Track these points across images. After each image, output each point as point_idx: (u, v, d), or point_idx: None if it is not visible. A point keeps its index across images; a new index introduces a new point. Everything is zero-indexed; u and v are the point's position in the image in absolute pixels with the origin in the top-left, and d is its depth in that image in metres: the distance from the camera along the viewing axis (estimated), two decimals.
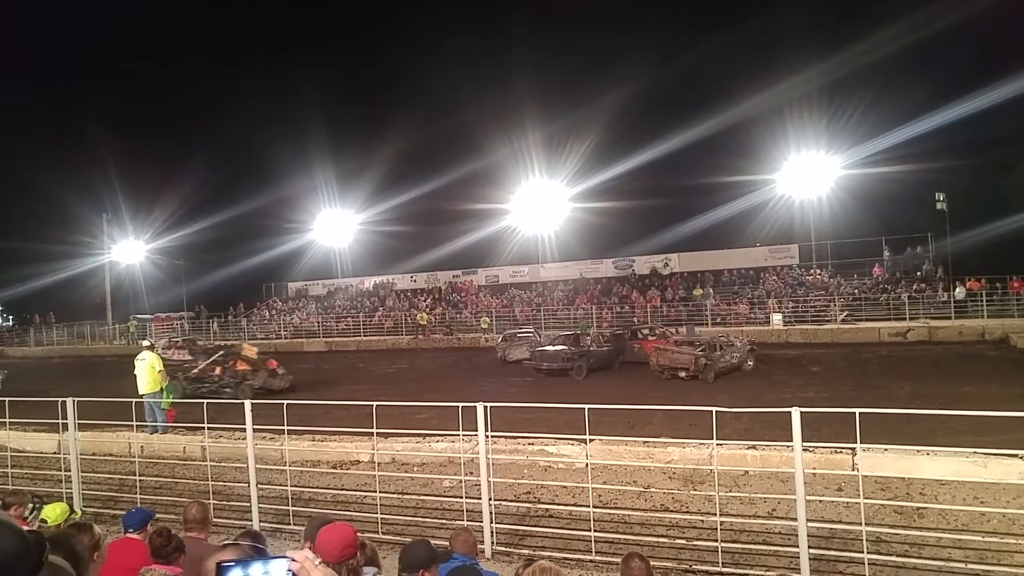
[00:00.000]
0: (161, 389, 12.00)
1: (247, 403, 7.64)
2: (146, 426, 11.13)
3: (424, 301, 39.67)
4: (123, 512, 4.86)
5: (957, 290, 28.74)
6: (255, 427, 7.49)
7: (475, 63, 60.27)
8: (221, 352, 20.50)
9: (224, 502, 7.50)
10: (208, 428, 8.33)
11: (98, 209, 46.45)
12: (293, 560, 1.78)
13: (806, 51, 43.54)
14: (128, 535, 4.38)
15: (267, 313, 42.60)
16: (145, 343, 13.31)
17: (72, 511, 5.15)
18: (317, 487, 8.00)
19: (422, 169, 45.69)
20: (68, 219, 47.83)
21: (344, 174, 47.76)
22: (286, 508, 7.35)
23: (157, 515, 4.86)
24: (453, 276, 43.06)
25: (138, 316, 42.01)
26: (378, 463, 7.97)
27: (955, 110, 33.58)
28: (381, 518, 7.07)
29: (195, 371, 19.16)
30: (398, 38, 67.03)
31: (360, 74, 67.46)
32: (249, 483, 7.57)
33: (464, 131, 49.34)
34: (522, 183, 41.69)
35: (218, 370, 19.04)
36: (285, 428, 7.73)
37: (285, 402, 7.76)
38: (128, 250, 46.69)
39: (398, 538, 6.09)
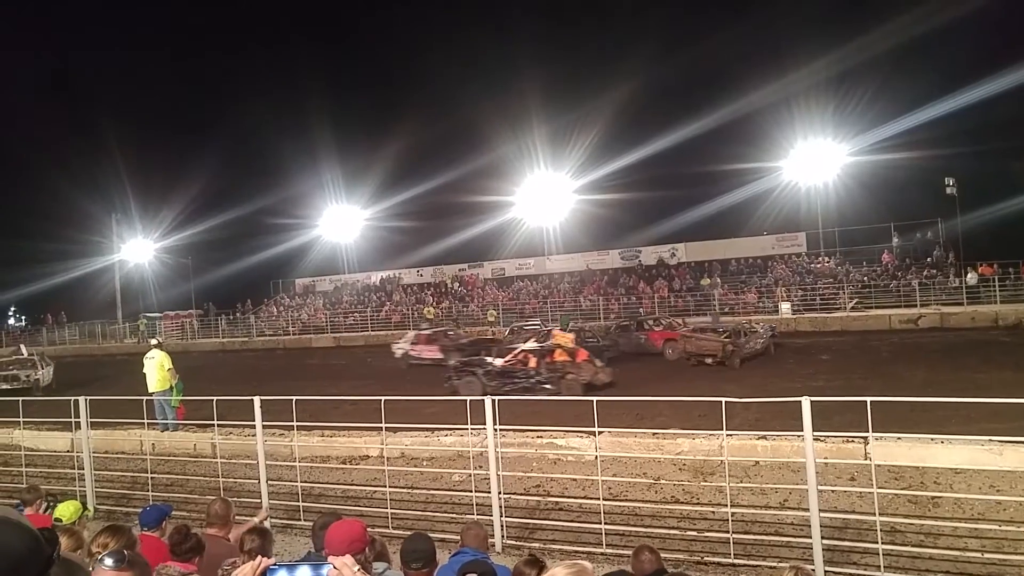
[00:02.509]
0: (171, 387, 12.03)
1: (256, 399, 7.64)
2: (157, 424, 11.16)
3: (430, 295, 39.67)
4: (136, 509, 4.85)
5: (969, 275, 28.42)
6: (264, 423, 7.50)
7: (480, 56, 60.26)
8: (531, 340, 18.22)
9: (235, 499, 7.49)
10: (218, 425, 8.33)
11: (107, 208, 46.74)
12: (333, 566, 1.83)
13: (812, 38, 43.42)
14: (144, 532, 4.37)
15: (275, 309, 42.69)
16: (154, 341, 13.33)
17: (85, 509, 5.16)
18: (327, 483, 8.00)
19: (428, 163, 45.66)
20: (78, 219, 48.16)
21: (350, 170, 47.88)
22: (296, 504, 7.35)
23: (172, 511, 4.85)
24: (459, 269, 43.02)
25: (148, 314, 42.18)
26: (387, 458, 7.95)
27: (963, 96, 33.30)
28: (391, 513, 7.06)
29: (499, 363, 16.41)
30: (404, 33, 66.96)
31: (366, 69, 67.62)
32: (260, 480, 7.58)
33: (469, 124, 49.27)
34: (527, 175, 41.61)
35: (532, 361, 16.20)
36: (295, 424, 7.72)
37: (294, 398, 7.74)
38: (137, 249, 46.89)
39: (408, 533, 6.06)
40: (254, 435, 7.69)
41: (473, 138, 46.80)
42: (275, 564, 1.93)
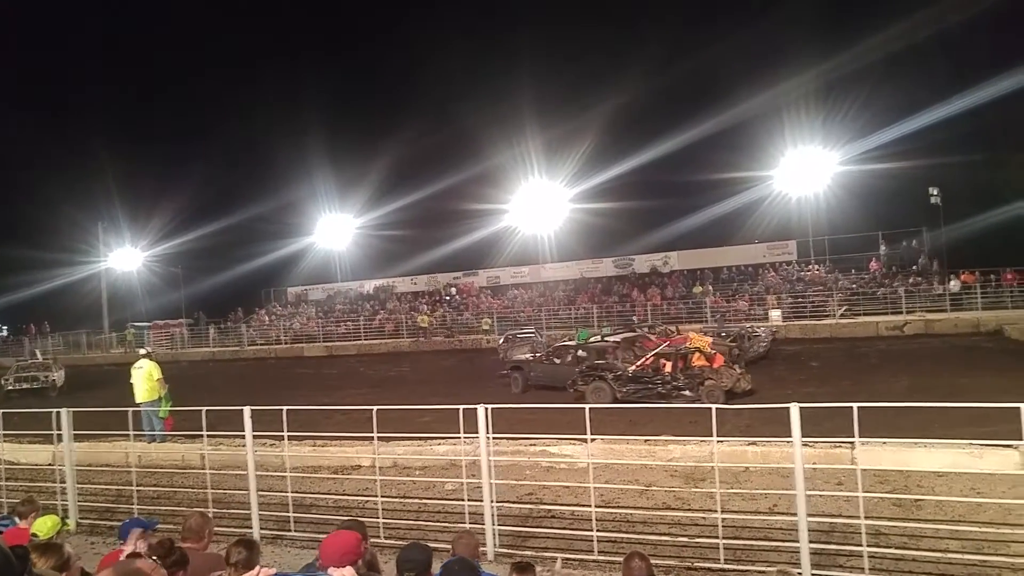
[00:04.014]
0: (160, 397, 12.01)
1: (246, 409, 7.68)
2: (143, 435, 11.08)
3: (425, 303, 39.70)
4: (121, 524, 4.84)
5: (951, 283, 28.85)
6: (255, 433, 7.54)
7: (475, 66, 60.28)
8: (665, 343, 17.07)
9: (224, 510, 7.54)
10: (207, 436, 8.35)
11: (94, 215, 46.49)
12: None
13: (802, 49, 43.50)
14: (125, 546, 4.35)
15: (267, 318, 42.59)
16: (142, 351, 13.25)
17: (64, 523, 5.14)
18: (318, 493, 8.04)
19: (421, 171, 45.61)
20: (63, 226, 47.67)
21: (344, 177, 47.78)
22: (287, 515, 7.39)
23: (157, 524, 4.85)
24: (454, 278, 43.08)
25: (135, 324, 41.92)
26: (379, 467, 8.01)
27: (948, 107, 33.79)
28: (383, 523, 7.11)
29: (631, 368, 15.34)
30: (398, 42, 67.01)
31: (359, 77, 67.54)
32: (249, 490, 7.60)
33: (464, 133, 49.27)
34: (522, 184, 41.77)
35: (668, 366, 15.17)
36: (285, 434, 7.77)
37: (285, 408, 7.79)
38: (125, 257, 46.65)
39: (400, 542, 6.12)
40: (244, 446, 7.72)
41: (468, 147, 46.95)
42: (276, 573, 1.97)
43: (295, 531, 7.20)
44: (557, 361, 18.17)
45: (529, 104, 46.00)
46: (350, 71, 67.28)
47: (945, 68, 39.80)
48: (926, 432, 7.96)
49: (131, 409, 10.14)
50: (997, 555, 5.73)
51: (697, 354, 15.54)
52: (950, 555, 5.84)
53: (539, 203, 41.31)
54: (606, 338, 18.66)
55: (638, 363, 15.69)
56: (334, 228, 46.79)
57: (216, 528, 5.45)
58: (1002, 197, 34.62)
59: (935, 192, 33.81)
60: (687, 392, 14.29)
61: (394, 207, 44.23)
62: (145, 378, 12.05)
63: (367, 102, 65.01)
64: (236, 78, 68.82)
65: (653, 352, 16.05)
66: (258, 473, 7.78)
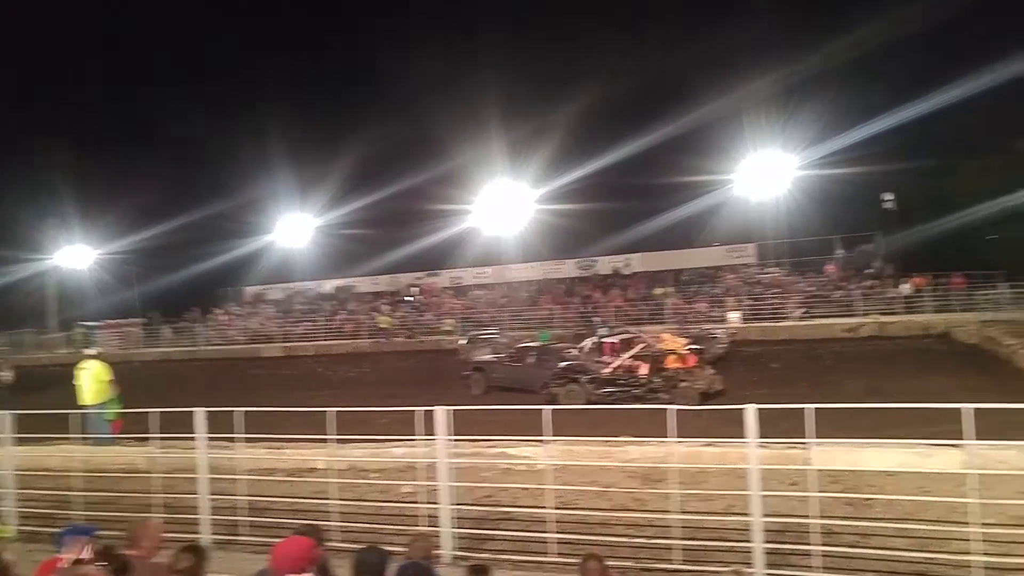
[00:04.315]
0: (108, 400, 11.67)
1: (199, 410, 7.51)
2: (88, 438, 10.73)
3: (386, 303, 39.38)
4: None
5: (904, 286, 29.64)
6: (208, 436, 7.40)
7: (439, 64, 60.01)
8: (641, 345, 16.78)
9: (174, 515, 7.34)
10: (158, 438, 8.15)
11: (41, 211, 45.08)
12: None
13: (763, 54, 44.41)
14: (64, 554, 4.20)
15: (223, 318, 41.80)
16: (90, 351, 12.85)
17: (2, 530, 4.94)
18: (273, 496, 7.90)
19: (384, 170, 45.19)
20: (7, 223, 45.93)
21: (304, 175, 47.07)
22: (239, 519, 7.23)
23: (98, 531, 4.69)
24: (416, 278, 42.76)
25: (85, 323, 40.71)
26: (335, 470, 7.89)
27: (903, 113, 34.69)
28: (338, 526, 7.01)
29: (606, 371, 15.38)
30: (359, 39, 66.41)
31: (320, 74, 66.75)
32: (200, 494, 7.44)
33: (427, 132, 48.96)
34: (486, 184, 41.68)
35: (643, 369, 15.22)
36: (240, 436, 7.61)
37: (240, 409, 7.63)
38: (76, 254, 45.35)
39: (356, 546, 6.03)
40: (196, 448, 7.55)
41: (432, 146, 46.62)
42: None
43: (248, 535, 7.05)
44: (519, 363, 18.15)
45: (494, 104, 46.02)
46: (312, 68, 66.52)
47: (901, 75, 40.98)
48: (878, 432, 8.12)
49: (76, 412, 9.86)
50: (941, 552, 5.88)
51: (672, 356, 15.58)
52: (897, 553, 5.98)
53: (503, 203, 41.30)
54: (603, 338, 18.39)
55: (613, 366, 15.66)
56: (294, 227, 46.11)
57: (166, 534, 5.31)
58: (952, 204, 35.79)
59: (889, 198, 34.71)
60: (662, 394, 14.35)
61: (356, 206, 43.74)
62: (92, 379, 11.70)
63: (329, 99, 64.33)
64: (195, 74, 67.52)
65: (628, 355, 16.04)
66: (210, 476, 7.62)
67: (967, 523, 5.66)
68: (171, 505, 7.67)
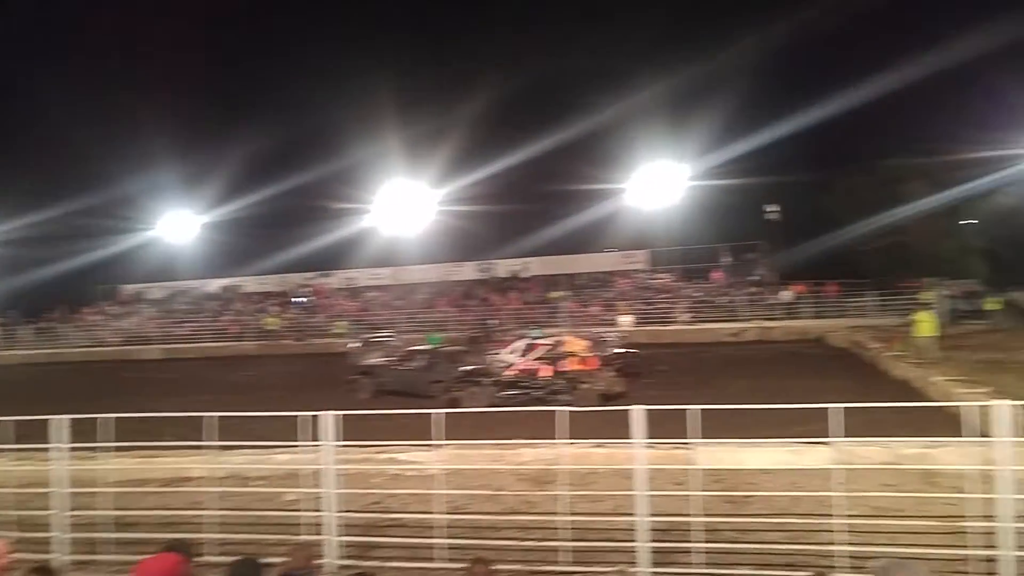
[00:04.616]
0: None
1: (64, 418, 6.94)
2: None
3: (275, 304, 38.02)
4: None
5: (783, 294, 31.42)
6: (72, 445, 6.85)
7: (335, 60, 58.54)
8: (548, 347, 16.25)
9: (30, 534, 6.75)
10: (14, 449, 7.48)
11: None
12: None
13: (656, 66, 45.87)
14: None
15: (95, 318, 39.04)
16: None
17: None
18: (143, 508, 7.40)
19: (276, 166, 43.26)
20: None
21: (190, 169, 44.66)
22: (104, 535, 6.72)
23: None
24: (307, 278, 41.49)
25: None
26: (214, 478, 7.48)
27: (785, 127, 36.50)
28: (214, 538, 6.65)
29: (509, 373, 15.27)
30: (254, 30, 63.71)
31: (211, 64, 63.58)
32: (56, 509, 6.87)
33: (323, 129, 47.82)
34: (384, 184, 41.02)
35: (545, 370, 15.17)
36: (107, 444, 7.07)
37: (107, 416, 7.09)
38: None
39: (234, 559, 5.73)
40: (57, 459, 6.96)
41: (328, 143, 45.32)
42: None
43: (112, 554, 6.56)
44: (408, 366, 17.85)
45: (393, 102, 45.21)
46: (202, 57, 63.20)
47: (784, 91, 43.32)
48: (759, 431, 8.50)
49: None
50: (811, 544, 6.20)
51: (573, 358, 15.70)
52: (773, 546, 6.26)
53: (402, 204, 40.76)
54: (536, 340, 17.99)
55: (516, 368, 15.71)
56: (178, 223, 43.73)
57: (16, 554, 4.87)
58: (828, 217, 38.36)
59: (772, 209, 36.74)
60: (564, 395, 14.49)
61: (246, 202, 41.89)
62: None
63: (220, 91, 61.33)
64: (78, 58, 62.71)
65: (532, 358, 16.03)
66: (72, 490, 7.04)
67: (834, 515, 5.98)
68: (26, 522, 7.04)
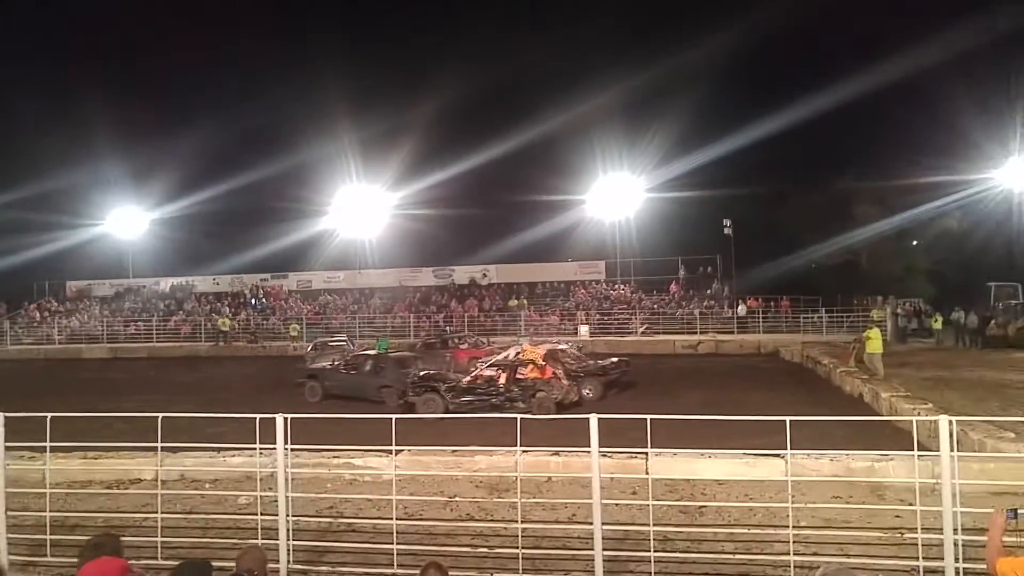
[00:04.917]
0: None
1: None
2: None
3: (227, 305, 37.30)
4: None
5: (739, 307, 32.04)
6: (8, 444, 6.57)
7: (293, 58, 57.99)
8: (504, 355, 16.30)
9: None
10: None
11: None
12: None
13: (614, 79, 46.39)
14: None
15: (37, 315, 37.76)
16: None
17: None
18: (87, 511, 7.16)
19: (231, 164, 42.48)
20: None
21: (138, 164, 43.55)
22: (44, 537, 6.48)
23: None
24: (261, 279, 40.80)
25: None
26: (163, 481, 7.28)
27: (740, 141, 37.39)
28: (162, 541, 6.46)
29: (465, 380, 15.32)
30: (213, 24, 62.53)
31: (164, 55, 62.05)
32: None
33: (280, 127, 46.99)
34: (341, 186, 40.67)
35: (502, 378, 15.25)
36: (48, 444, 6.82)
37: (49, 414, 6.84)
38: None
39: (181, 561, 5.57)
40: None
41: (284, 145, 44.71)
42: None
43: (52, 556, 6.33)
44: (355, 371, 17.76)
45: (350, 104, 45.05)
46: (156, 49, 61.73)
47: (741, 105, 44.13)
48: (713, 443, 8.62)
49: None
50: (763, 554, 6.29)
51: (531, 366, 15.74)
52: (724, 556, 6.33)
53: (359, 207, 40.43)
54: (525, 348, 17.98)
55: (472, 375, 15.74)
56: (127, 219, 42.58)
57: None
58: (782, 233, 39.23)
59: (728, 223, 37.44)
60: (520, 403, 14.52)
61: (198, 200, 41.04)
62: None
63: (171, 86, 59.90)
64: (23, 47, 60.65)
65: (488, 364, 16.09)
66: (10, 490, 6.76)
67: (786, 526, 6.08)
68: None
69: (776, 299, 33.11)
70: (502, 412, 13.60)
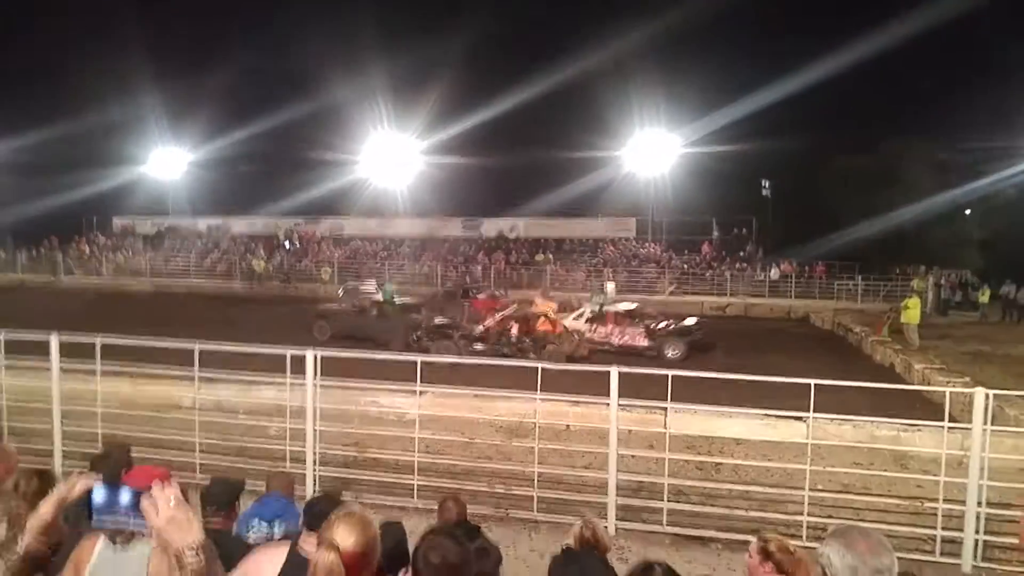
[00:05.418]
0: None
1: (54, 336, 7.04)
2: None
3: (262, 247, 37.91)
4: None
5: (772, 271, 31.59)
6: (64, 365, 6.97)
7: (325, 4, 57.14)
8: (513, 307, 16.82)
9: (23, 444, 6.87)
10: (5, 363, 7.57)
11: None
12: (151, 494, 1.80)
13: (655, 24, 44.87)
14: None
15: (87, 248, 38.86)
16: None
17: None
18: (132, 430, 7.53)
19: (267, 109, 42.42)
20: None
21: (179, 105, 43.84)
22: (95, 451, 6.85)
23: None
24: (295, 223, 41.31)
25: None
26: (200, 407, 7.61)
27: (784, 94, 35.77)
28: (199, 462, 6.82)
29: (479, 329, 15.81)
30: None
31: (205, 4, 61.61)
32: (54, 423, 7.04)
33: (315, 75, 46.59)
34: (373, 132, 40.62)
35: (514, 329, 15.80)
36: (98, 367, 7.19)
37: (99, 340, 7.19)
38: None
39: (212, 478, 5.87)
40: (49, 376, 7.09)
41: (319, 90, 44.33)
42: (97, 482, 1.90)
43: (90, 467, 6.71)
44: (362, 314, 18.67)
45: (382, 49, 44.60)
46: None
47: (785, 54, 42.33)
48: (734, 403, 8.70)
49: None
50: (776, 513, 6.41)
51: (543, 319, 16.15)
52: (737, 512, 6.47)
53: (392, 155, 40.41)
54: (605, 308, 18.36)
55: (486, 325, 16.19)
56: (168, 159, 43.27)
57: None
58: (823, 194, 38.13)
59: (766, 184, 36.64)
60: (531, 354, 14.90)
61: (234, 142, 41.39)
62: None
63: (212, 29, 59.54)
64: None
65: (501, 315, 16.61)
66: (65, 407, 7.18)
67: (802, 488, 6.18)
68: (19, 432, 7.18)
69: (811, 264, 32.48)
70: (513, 360, 13.97)
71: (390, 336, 17.02)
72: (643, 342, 17.16)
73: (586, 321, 18.06)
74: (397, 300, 19.97)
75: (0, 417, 7.39)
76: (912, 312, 17.65)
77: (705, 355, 17.41)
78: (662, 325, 17.80)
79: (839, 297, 29.01)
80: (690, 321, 18.45)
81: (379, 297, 19.74)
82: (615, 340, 17.48)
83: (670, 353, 16.91)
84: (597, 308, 18.45)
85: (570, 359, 14.67)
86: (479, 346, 15.51)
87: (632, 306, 19.29)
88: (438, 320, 17.19)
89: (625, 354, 16.44)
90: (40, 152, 41.35)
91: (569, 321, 17.98)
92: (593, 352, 16.63)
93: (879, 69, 34.87)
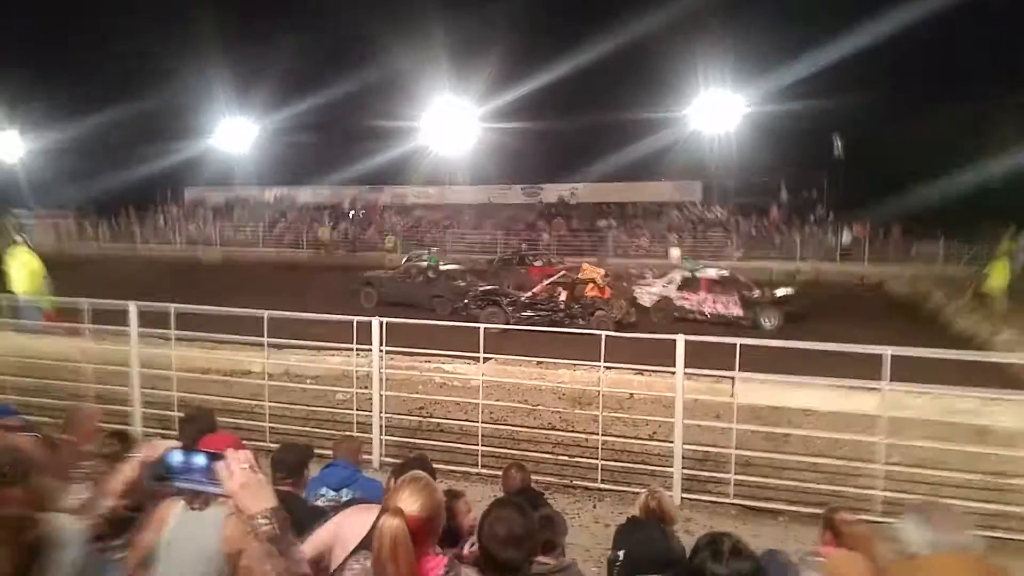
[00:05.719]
0: (40, 290, 11.32)
1: (132, 304, 7.34)
2: (24, 327, 10.41)
3: (327, 216, 38.61)
4: None
5: (844, 235, 30.30)
6: (141, 331, 7.27)
7: None
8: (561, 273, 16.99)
9: (105, 406, 7.23)
10: (90, 329, 7.97)
11: None
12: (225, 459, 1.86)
13: None
14: None
15: (161, 219, 40.38)
16: (18, 239, 12.47)
17: None
18: (205, 395, 7.83)
19: (328, 79, 42.87)
20: None
21: (246, 77, 44.69)
22: (171, 414, 7.16)
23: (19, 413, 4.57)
24: (358, 192, 41.88)
25: (15, 211, 38.68)
26: (270, 374, 7.84)
27: (860, 43, 33.54)
28: (269, 427, 7.03)
29: (526, 295, 15.90)
30: None
31: None
32: (132, 388, 7.37)
33: (374, 44, 46.70)
34: (434, 100, 40.52)
35: (563, 295, 15.73)
36: (173, 333, 7.47)
37: (173, 307, 7.47)
38: (4, 143, 42.77)
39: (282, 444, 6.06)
40: (128, 343, 7.42)
41: (379, 59, 44.48)
42: (174, 447, 1.97)
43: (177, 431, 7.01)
44: (408, 280, 19.01)
45: (442, 19, 44.15)
46: None
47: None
48: (802, 372, 8.45)
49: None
50: (848, 487, 6.22)
51: (591, 285, 15.98)
52: (806, 484, 6.31)
53: (452, 122, 40.33)
54: (696, 273, 17.81)
55: (534, 291, 16.12)
56: (236, 131, 44.32)
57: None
58: (901, 151, 35.96)
59: (838, 144, 34.94)
60: (579, 320, 14.84)
61: (299, 112, 42.08)
62: (23, 267, 11.35)
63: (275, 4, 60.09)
64: None
65: (549, 281, 16.43)
66: (143, 371, 7.51)
67: (875, 461, 5.97)
68: (103, 396, 7.55)
69: (887, 226, 30.90)
70: (561, 327, 13.84)
71: (437, 302, 17.45)
72: (737, 311, 16.60)
73: (677, 288, 17.55)
74: (442, 267, 20.17)
75: (87, 381, 7.77)
76: (999, 276, 16.66)
77: (799, 326, 16.52)
78: (756, 293, 17.22)
79: (917, 261, 27.56)
80: (785, 290, 17.75)
81: (424, 263, 20.00)
82: (707, 309, 16.93)
83: (767, 323, 16.34)
84: (689, 274, 17.81)
85: (619, 325, 14.50)
86: (528, 312, 15.46)
87: (725, 272, 18.37)
88: (485, 286, 17.30)
89: (716, 324, 16.08)
90: (116, 129, 43.09)
91: (658, 288, 17.65)
92: (681, 320, 16.38)
93: (963, 15, 32.35)
